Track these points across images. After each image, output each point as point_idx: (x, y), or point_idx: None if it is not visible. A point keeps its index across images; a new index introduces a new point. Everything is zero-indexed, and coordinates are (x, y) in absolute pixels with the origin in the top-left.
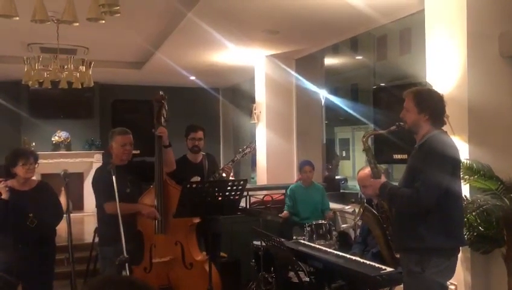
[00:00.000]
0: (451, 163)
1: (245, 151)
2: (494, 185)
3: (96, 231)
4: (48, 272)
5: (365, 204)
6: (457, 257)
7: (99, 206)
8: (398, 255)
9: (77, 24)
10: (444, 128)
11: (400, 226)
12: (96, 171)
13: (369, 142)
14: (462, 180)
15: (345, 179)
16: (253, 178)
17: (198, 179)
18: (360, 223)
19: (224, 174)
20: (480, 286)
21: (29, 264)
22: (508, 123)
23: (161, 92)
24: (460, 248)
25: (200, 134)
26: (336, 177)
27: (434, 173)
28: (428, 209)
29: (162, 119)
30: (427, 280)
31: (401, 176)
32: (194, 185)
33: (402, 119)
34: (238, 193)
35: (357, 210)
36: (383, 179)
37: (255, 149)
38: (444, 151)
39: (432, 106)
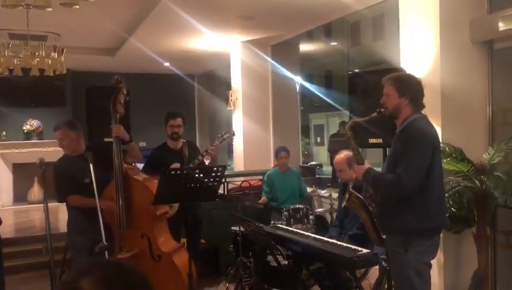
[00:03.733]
0: (431, 146)
1: (224, 137)
2: (465, 167)
3: None
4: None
5: (351, 190)
6: (440, 235)
7: (62, 199)
8: (384, 236)
9: (50, 9)
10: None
11: (384, 210)
12: (53, 166)
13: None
14: None
15: (320, 165)
16: (229, 165)
17: (178, 165)
18: (336, 207)
19: (205, 159)
20: (451, 264)
21: None
22: (479, 107)
23: (116, 76)
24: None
25: (178, 121)
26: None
27: (415, 157)
28: (411, 193)
29: (119, 106)
30: (410, 259)
31: (385, 161)
32: (172, 172)
33: (383, 105)
34: (217, 179)
35: (333, 194)
36: (367, 165)
37: (233, 135)
38: (423, 135)
39: (412, 89)
